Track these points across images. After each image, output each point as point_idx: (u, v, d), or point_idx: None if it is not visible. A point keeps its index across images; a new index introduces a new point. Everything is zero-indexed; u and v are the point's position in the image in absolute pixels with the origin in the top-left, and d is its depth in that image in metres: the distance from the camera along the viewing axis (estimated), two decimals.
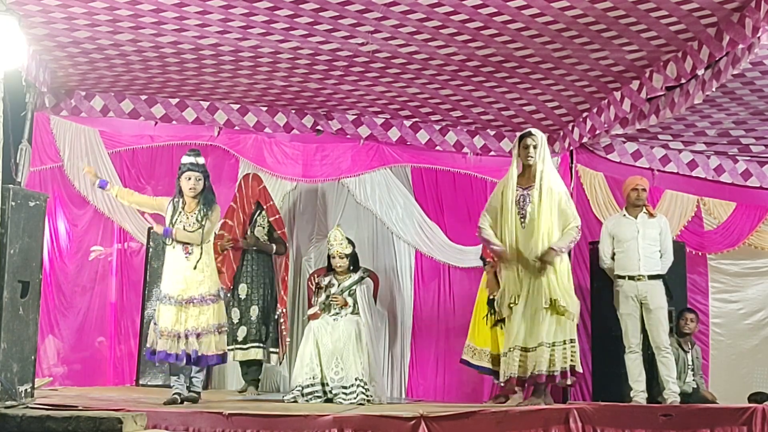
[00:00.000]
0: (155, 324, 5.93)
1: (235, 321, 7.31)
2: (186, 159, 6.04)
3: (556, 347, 5.92)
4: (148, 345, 6.04)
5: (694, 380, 7.30)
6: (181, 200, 5.99)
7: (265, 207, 7.57)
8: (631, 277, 6.74)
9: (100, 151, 8.18)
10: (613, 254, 6.93)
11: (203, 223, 5.91)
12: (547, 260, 5.93)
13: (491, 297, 6.79)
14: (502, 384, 6.43)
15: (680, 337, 7.41)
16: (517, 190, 6.09)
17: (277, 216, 7.62)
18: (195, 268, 5.86)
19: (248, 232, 7.47)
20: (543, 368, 5.87)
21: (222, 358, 6.10)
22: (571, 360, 5.97)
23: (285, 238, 7.65)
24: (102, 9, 5.98)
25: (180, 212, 5.95)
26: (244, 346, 7.32)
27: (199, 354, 5.85)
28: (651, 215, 6.96)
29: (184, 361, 5.84)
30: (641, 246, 6.77)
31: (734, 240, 8.68)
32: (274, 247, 7.57)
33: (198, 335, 5.84)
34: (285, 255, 7.64)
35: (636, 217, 6.90)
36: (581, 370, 6.14)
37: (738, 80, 6.66)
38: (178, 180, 6.03)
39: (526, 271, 6.01)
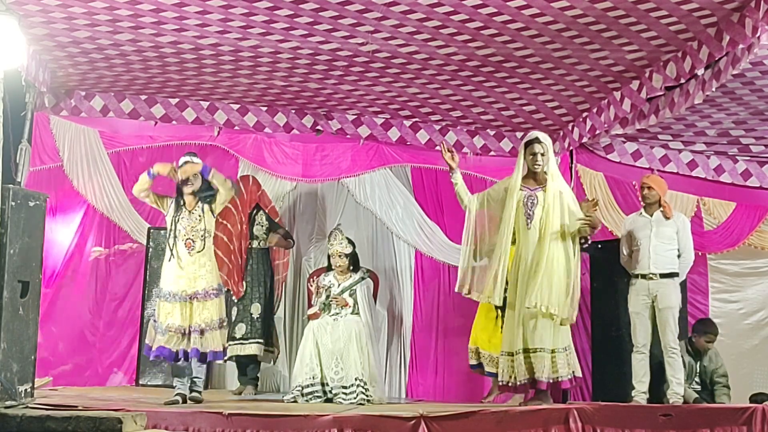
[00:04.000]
0: (155, 321, 5.97)
1: (234, 318, 7.30)
2: (182, 159, 6.14)
3: (557, 353, 5.90)
4: (147, 342, 6.09)
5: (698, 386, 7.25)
6: (182, 199, 6.08)
7: (267, 209, 7.58)
8: (643, 276, 6.70)
9: (99, 151, 8.20)
10: (632, 251, 6.87)
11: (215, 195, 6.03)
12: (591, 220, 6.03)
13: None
14: (509, 385, 6.09)
15: (694, 347, 7.27)
16: (522, 191, 6.08)
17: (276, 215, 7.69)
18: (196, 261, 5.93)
19: (252, 234, 7.45)
20: (564, 373, 5.86)
21: (223, 353, 6.14)
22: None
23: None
24: (102, 9, 5.97)
25: (182, 210, 6.06)
26: (244, 342, 7.25)
27: (202, 351, 5.88)
28: (667, 217, 6.86)
29: (183, 359, 5.87)
30: (653, 244, 6.71)
31: (734, 240, 8.67)
32: (291, 242, 7.62)
33: (202, 332, 5.88)
34: (290, 247, 7.69)
35: (651, 216, 6.85)
36: (580, 375, 6.13)
37: (738, 80, 6.65)
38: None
39: (522, 273, 5.99)
